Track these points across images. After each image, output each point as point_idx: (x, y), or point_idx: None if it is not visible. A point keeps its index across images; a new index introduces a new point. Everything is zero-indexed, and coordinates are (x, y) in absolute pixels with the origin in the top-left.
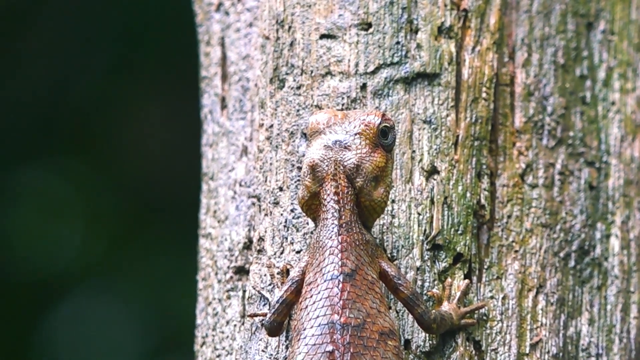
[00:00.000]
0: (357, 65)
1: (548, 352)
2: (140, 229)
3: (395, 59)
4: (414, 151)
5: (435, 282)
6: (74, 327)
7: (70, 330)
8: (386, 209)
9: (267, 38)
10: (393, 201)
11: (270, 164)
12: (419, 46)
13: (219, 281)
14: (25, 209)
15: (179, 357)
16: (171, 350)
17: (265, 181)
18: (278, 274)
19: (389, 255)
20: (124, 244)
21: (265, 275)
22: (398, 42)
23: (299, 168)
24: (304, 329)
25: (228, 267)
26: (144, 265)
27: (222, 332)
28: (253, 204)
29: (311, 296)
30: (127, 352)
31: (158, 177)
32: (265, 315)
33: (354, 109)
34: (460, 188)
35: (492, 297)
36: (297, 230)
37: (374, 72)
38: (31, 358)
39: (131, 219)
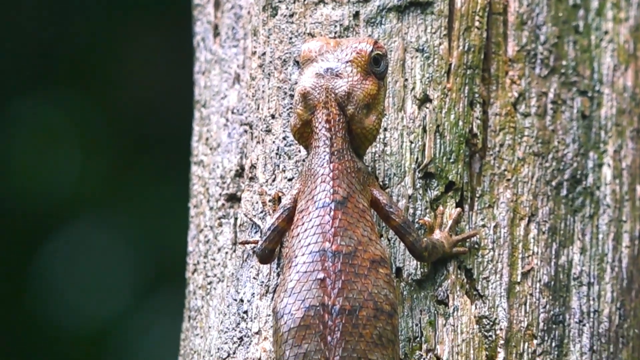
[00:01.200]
0: None
1: (539, 280)
2: (136, 159)
3: None
4: (406, 79)
5: (427, 210)
6: (70, 258)
7: (67, 261)
8: (378, 137)
9: None
10: (385, 129)
11: (263, 91)
12: None
13: (211, 208)
14: (22, 140)
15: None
16: (168, 280)
17: (258, 109)
18: (270, 201)
19: (381, 183)
20: (121, 174)
21: (257, 202)
22: None
23: (291, 96)
24: (295, 257)
25: (220, 195)
26: (141, 196)
27: (214, 260)
28: (245, 131)
29: (303, 224)
30: (123, 282)
31: (153, 106)
32: (256, 242)
33: (347, 37)
34: (452, 116)
35: (483, 226)
36: (289, 158)
37: (366, 0)
38: (28, 289)
39: (128, 149)
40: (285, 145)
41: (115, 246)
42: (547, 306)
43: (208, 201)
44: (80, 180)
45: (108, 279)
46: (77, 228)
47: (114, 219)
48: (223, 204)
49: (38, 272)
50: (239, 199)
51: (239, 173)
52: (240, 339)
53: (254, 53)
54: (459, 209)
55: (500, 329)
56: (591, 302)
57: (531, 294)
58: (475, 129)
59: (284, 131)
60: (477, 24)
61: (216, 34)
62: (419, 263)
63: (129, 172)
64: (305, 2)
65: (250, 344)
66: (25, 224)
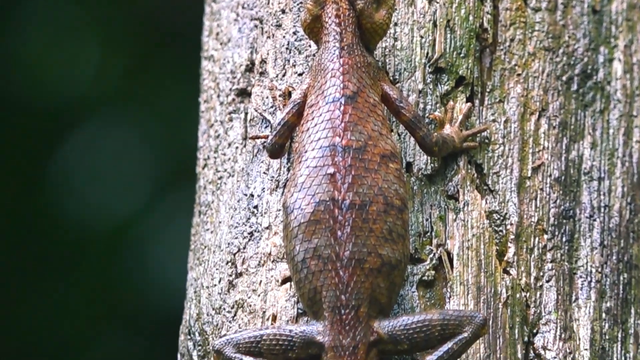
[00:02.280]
0: None
1: (550, 175)
2: (154, 56)
3: None
4: None
5: (437, 105)
6: (88, 155)
7: (85, 158)
8: (388, 31)
9: None
10: (395, 24)
11: None
12: None
13: (221, 103)
14: (41, 38)
15: (193, 183)
16: (185, 176)
17: (268, 3)
18: (280, 96)
19: (391, 78)
20: (139, 71)
21: (267, 97)
22: None
23: None
24: (305, 152)
25: (230, 90)
26: (159, 92)
27: (224, 155)
28: (255, 26)
29: (313, 119)
30: (141, 179)
31: (170, 2)
32: (266, 137)
33: None
34: (463, 11)
35: (494, 121)
36: (300, 53)
37: None
38: (46, 186)
39: (146, 46)
40: (295, 40)
41: (134, 143)
42: (558, 201)
43: (218, 96)
44: (98, 77)
45: (126, 176)
46: (94, 125)
47: (132, 115)
48: (233, 99)
49: (56, 169)
50: (249, 94)
51: (249, 68)
52: (251, 233)
53: None
54: (469, 104)
55: (511, 224)
56: (602, 197)
57: (541, 189)
58: (485, 24)
59: (294, 26)
60: None
61: None
62: (429, 158)
63: (147, 69)
64: None
65: (260, 238)
66: (44, 121)
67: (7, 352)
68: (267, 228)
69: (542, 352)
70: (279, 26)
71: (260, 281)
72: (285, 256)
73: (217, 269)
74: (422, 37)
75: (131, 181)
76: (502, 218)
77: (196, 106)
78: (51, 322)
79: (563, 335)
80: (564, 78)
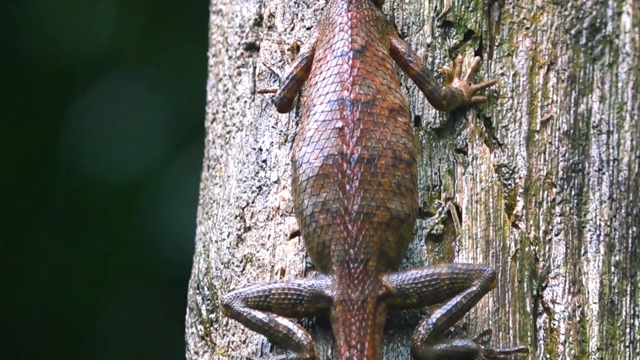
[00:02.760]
0: None
1: (559, 129)
2: (170, 13)
3: None
4: None
5: (446, 59)
6: (104, 112)
7: (101, 114)
8: None
9: None
10: None
11: None
12: None
13: (230, 57)
14: None
15: None
16: (200, 134)
17: None
18: (288, 50)
19: (400, 32)
20: (155, 28)
21: (275, 51)
22: None
23: None
24: (314, 106)
25: (239, 44)
26: (175, 50)
27: (233, 109)
28: None
29: (321, 73)
30: (156, 136)
31: None
32: (275, 91)
33: None
34: None
35: (502, 74)
36: (308, 7)
37: None
38: (62, 142)
39: (161, 3)
40: None
41: (149, 101)
42: (567, 154)
43: (227, 50)
44: (115, 35)
45: (142, 133)
46: (110, 82)
47: (148, 73)
48: (242, 53)
49: (72, 126)
50: (257, 48)
51: (258, 22)
52: (259, 187)
53: None
54: (477, 58)
55: (520, 178)
56: (610, 151)
57: (550, 143)
58: None
59: None
60: None
61: None
62: (437, 111)
63: (163, 26)
64: None
65: (269, 192)
66: (60, 78)
67: (27, 308)
68: (275, 182)
69: (550, 305)
70: None
71: (269, 235)
72: (294, 210)
73: (225, 223)
74: None
75: (147, 138)
76: (510, 172)
77: None
78: (69, 277)
79: (572, 289)
80: (572, 31)
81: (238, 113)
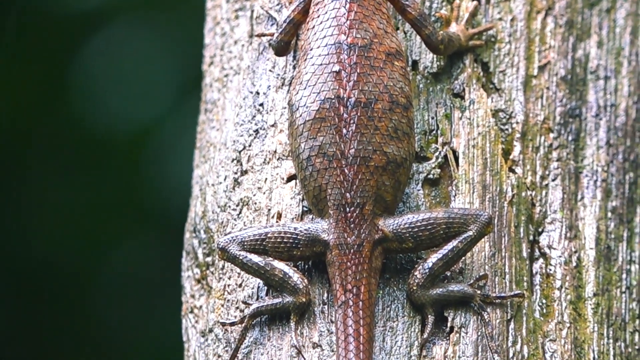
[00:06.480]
0: None
1: (556, 74)
2: None
3: None
4: None
5: (444, 3)
6: (110, 61)
7: (107, 62)
8: None
9: None
10: None
11: None
12: None
13: (227, 1)
14: None
15: None
16: None
17: None
18: None
19: None
20: None
21: None
22: None
23: None
24: (311, 49)
25: None
26: None
27: (230, 52)
28: None
29: (318, 16)
30: (163, 84)
31: None
32: (272, 35)
33: None
34: None
35: (500, 19)
36: None
37: None
38: (68, 90)
39: None
40: None
41: (155, 48)
42: (564, 100)
43: None
44: None
45: (148, 82)
46: (116, 31)
47: (154, 21)
48: None
49: (78, 73)
50: None
51: None
52: (256, 131)
53: None
54: (475, 2)
55: (517, 123)
56: (608, 96)
57: (548, 88)
58: None
59: None
60: None
61: None
62: (435, 56)
63: None
64: None
65: (265, 136)
66: (66, 25)
67: (37, 252)
68: (272, 125)
69: (547, 250)
70: None
71: (266, 179)
72: (290, 154)
73: (222, 167)
74: None
75: (153, 86)
76: (508, 116)
77: None
78: (74, 222)
79: (568, 234)
80: None
81: (235, 56)
